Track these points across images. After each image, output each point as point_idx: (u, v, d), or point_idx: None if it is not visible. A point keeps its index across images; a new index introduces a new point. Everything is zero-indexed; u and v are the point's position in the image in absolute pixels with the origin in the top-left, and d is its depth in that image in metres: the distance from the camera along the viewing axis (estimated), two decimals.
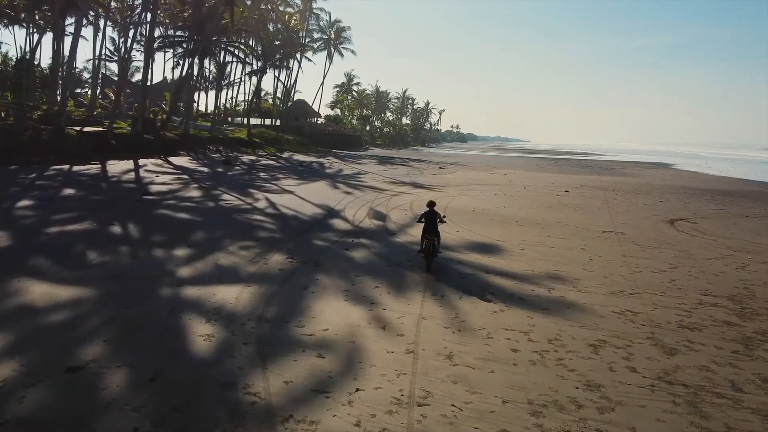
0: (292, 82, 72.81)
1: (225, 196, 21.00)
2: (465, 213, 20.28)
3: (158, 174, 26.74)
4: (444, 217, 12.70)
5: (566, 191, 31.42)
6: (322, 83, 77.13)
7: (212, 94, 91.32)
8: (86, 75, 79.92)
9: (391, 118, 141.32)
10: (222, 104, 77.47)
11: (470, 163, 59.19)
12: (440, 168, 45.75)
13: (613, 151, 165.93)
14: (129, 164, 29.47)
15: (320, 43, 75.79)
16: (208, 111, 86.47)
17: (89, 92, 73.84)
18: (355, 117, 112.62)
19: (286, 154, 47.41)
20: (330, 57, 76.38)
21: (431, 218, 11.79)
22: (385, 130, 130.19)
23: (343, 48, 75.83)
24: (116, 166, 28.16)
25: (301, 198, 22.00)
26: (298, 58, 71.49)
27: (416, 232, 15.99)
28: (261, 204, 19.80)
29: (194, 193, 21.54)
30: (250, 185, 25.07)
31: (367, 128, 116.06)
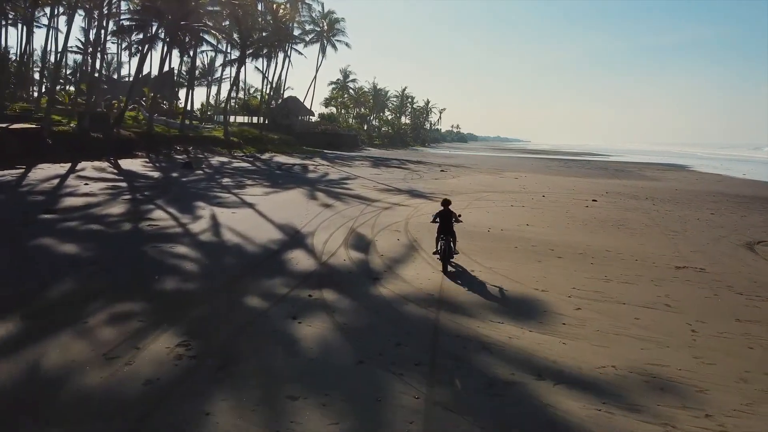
0: (282, 77, 67.50)
1: (157, 214, 15.70)
2: (479, 236, 15.03)
3: (90, 181, 21.50)
4: (459, 216, 11.92)
5: (594, 200, 26.25)
6: (315, 77, 71.87)
7: (199, 90, 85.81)
8: (66, 70, 74.98)
9: (390, 117, 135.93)
10: (205, 101, 72.29)
11: (474, 164, 53.95)
12: (442, 171, 40.48)
13: (615, 151, 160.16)
14: (63, 168, 24.25)
15: (312, 35, 70.55)
16: (195, 108, 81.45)
17: (70, 88, 68.90)
18: (352, 116, 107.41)
19: (266, 155, 42.11)
20: (323, 50, 71.16)
21: (446, 218, 11.30)
22: (383, 129, 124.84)
23: (337, 41, 70.61)
24: (44, 171, 22.95)
25: (261, 214, 16.74)
26: (287, 51, 66.27)
27: (413, 274, 10.83)
28: (200, 225, 14.51)
29: (117, 209, 16.23)
30: (201, 196, 19.82)
31: (365, 127, 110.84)
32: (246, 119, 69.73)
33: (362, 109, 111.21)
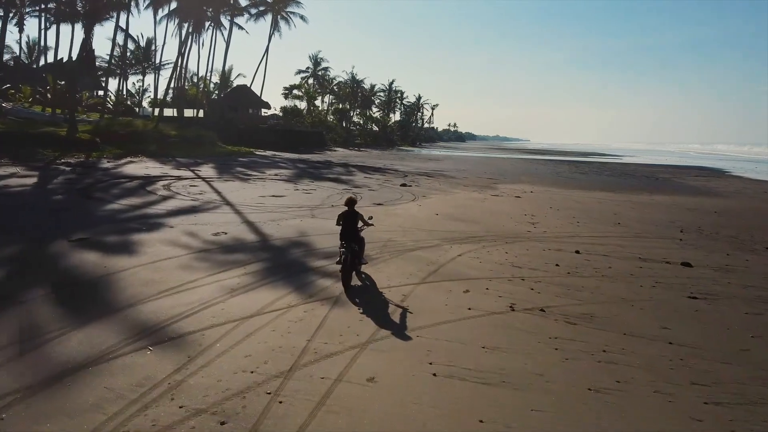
0: (215, 58, 53.23)
1: None
2: None
3: None
4: (370, 218, 9.92)
5: (686, 264, 12.42)
6: (266, 51, 56.27)
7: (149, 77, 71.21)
8: None
9: (377, 114, 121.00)
10: (120, 90, 58.19)
11: (462, 171, 39.81)
12: (404, 185, 26.42)
13: (620, 151, 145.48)
14: None
15: (262, 7, 56.28)
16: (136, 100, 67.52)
17: None
18: (329, 111, 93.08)
19: (122, 161, 27.79)
20: (276, 27, 56.92)
21: (350, 220, 9.19)
22: (367, 127, 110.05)
23: (290, 12, 56.26)
24: None
25: None
26: (226, 27, 52.04)
27: None
28: None
29: None
30: None
31: (344, 124, 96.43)
32: (172, 112, 55.44)
33: (343, 105, 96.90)
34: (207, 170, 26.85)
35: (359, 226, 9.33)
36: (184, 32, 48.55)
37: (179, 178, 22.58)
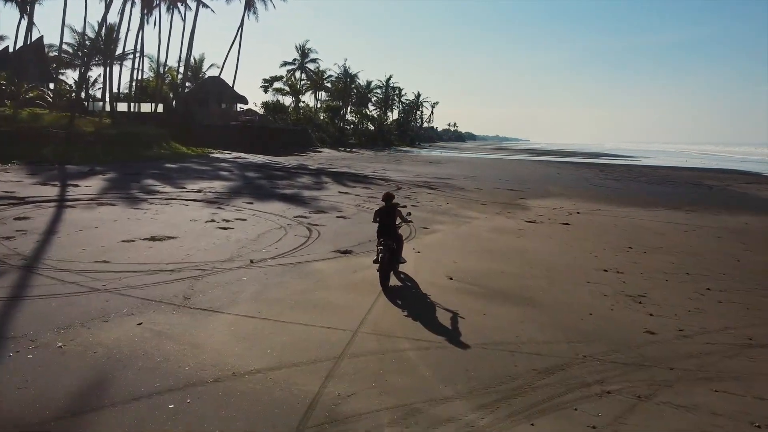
0: (189, 47, 44.95)
1: None
2: None
3: None
4: (409, 215, 9.27)
5: None
6: (240, 28, 47.29)
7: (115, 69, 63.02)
8: None
9: (375, 112, 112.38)
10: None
11: (470, 178, 31.48)
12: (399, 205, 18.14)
13: (624, 151, 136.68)
14: None
15: None
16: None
17: None
18: (321, 109, 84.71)
19: None
20: (251, 7, 48.57)
21: (389, 216, 8.55)
22: (363, 125, 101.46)
23: None
24: None
25: None
26: (192, 8, 43.71)
27: None
28: None
29: None
30: None
31: (336, 122, 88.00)
32: (125, 106, 47.13)
33: (336, 101, 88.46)
34: (94, 184, 18.28)
35: (397, 222, 8.72)
36: (131, 9, 40.33)
37: (21, 201, 14.08)
